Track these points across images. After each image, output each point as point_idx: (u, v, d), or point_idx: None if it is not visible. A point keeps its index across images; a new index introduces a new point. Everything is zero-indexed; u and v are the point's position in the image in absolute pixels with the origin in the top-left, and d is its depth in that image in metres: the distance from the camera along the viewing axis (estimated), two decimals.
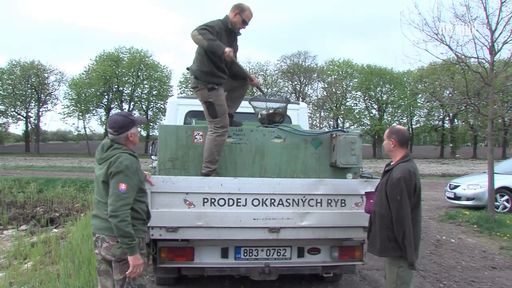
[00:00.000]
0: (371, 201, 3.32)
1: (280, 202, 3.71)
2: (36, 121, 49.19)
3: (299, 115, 5.76)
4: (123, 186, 2.71)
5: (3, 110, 47.40)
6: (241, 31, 3.98)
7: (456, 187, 10.80)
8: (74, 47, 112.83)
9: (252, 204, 3.69)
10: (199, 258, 3.94)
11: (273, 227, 3.70)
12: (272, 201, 3.72)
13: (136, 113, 42.30)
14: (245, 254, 3.97)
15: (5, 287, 4.36)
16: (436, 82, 25.85)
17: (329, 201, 3.79)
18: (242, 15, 3.85)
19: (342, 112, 47.86)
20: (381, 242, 3.10)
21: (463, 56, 8.12)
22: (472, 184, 10.46)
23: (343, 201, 3.83)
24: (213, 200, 3.65)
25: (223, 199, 3.66)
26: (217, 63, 3.79)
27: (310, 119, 44.27)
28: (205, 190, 3.62)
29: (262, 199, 3.71)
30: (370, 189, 3.84)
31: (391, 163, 3.26)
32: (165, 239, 3.71)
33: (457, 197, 10.66)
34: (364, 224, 3.64)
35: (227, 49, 3.59)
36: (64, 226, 8.50)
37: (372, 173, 5.13)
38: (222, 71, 3.86)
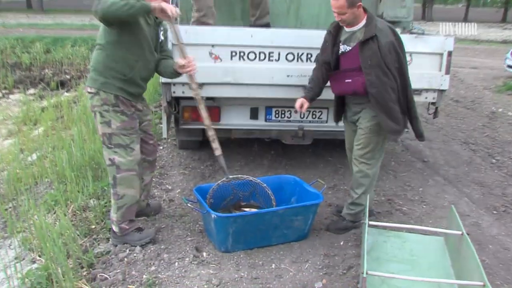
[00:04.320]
0: (348, 80, 3.06)
1: None
2: None
3: None
4: None
5: None
6: None
7: None
8: None
9: (286, 59, 3.64)
10: (226, 119, 4.04)
11: None
12: (309, 56, 3.65)
13: None
14: (277, 116, 4.06)
15: (15, 154, 4.56)
16: None
17: None
18: None
19: None
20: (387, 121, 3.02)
21: None
22: None
23: None
24: (242, 54, 3.60)
25: (253, 52, 3.61)
26: None
27: None
28: (233, 42, 3.56)
29: (298, 54, 3.64)
30: (422, 48, 3.74)
31: (355, 32, 2.98)
32: (189, 97, 3.74)
33: None
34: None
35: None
36: (76, 89, 8.68)
37: (424, 29, 4.91)
38: None
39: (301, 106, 3.26)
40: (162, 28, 2.88)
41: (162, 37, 2.83)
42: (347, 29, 3.02)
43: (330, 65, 3.16)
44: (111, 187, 2.93)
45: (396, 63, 2.92)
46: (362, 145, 3.12)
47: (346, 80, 3.07)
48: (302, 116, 4.05)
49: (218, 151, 3.06)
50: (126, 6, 2.44)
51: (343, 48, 3.07)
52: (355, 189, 3.21)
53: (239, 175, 3.24)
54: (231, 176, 3.15)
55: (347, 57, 3.05)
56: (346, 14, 2.89)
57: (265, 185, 3.19)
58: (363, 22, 2.95)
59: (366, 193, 3.20)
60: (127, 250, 2.91)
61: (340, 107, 3.36)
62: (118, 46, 2.70)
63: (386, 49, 2.86)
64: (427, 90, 3.89)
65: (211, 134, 3.05)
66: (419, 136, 3.16)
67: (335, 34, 3.11)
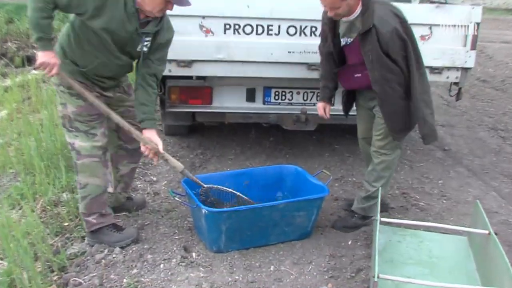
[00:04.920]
0: (357, 75, 3.07)
1: None
2: None
3: None
4: None
5: None
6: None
7: None
8: None
9: (287, 33, 3.64)
10: (219, 101, 4.05)
11: (313, 64, 3.68)
12: (313, 30, 3.64)
13: None
14: (277, 97, 4.06)
15: None
16: None
17: None
18: None
19: None
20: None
21: None
22: None
23: None
24: (237, 27, 3.59)
25: (249, 25, 3.60)
26: None
27: None
28: (227, 13, 3.55)
29: (301, 27, 3.64)
30: (444, 20, 3.73)
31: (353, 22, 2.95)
32: (176, 76, 3.77)
33: None
34: (428, 63, 3.54)
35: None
36: None
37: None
38: None
39: (325, 112, 3.33)
40: (147, 39, 2.78)
41: (144, 49, 2.77)
42: (343, 19, 2.98)
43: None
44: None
45: (402, 51, 2.87)
46: (383, 135, 3.12)
47: (355, 75, 3.08)
48: (305, 98, 4.05)
49: (179, 167, 2.99)
50: (30, 19, 2.53)
51: (343, 41, 3.05)
52: (373, 182, 3.22)
53: (220, 186, 3.15)
54: (206, 186, 3.09)
55: (351, 49, 3.03)
56: (340, 8, 2.84)
57: (246, 198, 3.14)
58: (359, 9, 2.88)
59: (385, 186, 3.24)
60: (105, 251, 2.91)
61: (351, 98, 3.36)
62: (80, 33, 2.66)
63: (388, 39, 2.80)
64: (449, 69, 3.89)
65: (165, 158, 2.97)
66: (423, 138, 3.12)
67: (331, 25, 3.07)
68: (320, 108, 3.34)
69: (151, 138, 2.82)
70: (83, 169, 2.88)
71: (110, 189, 3.09)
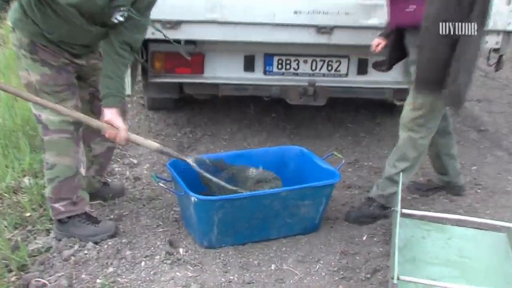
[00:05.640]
0: (410, 8, 3.05)
1: None
2: None
3: None
4: None
5: None
6: None
7: None
8: None
9: None
10: (212, 71, 4.03)
11: (324, 26, 3.68)
12: None
13: None
14: (280, 67, 4.04)
15: None
16: None
17: None
18: None
19: None
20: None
21: None
22: None
23: None
24: None
25: None
26: None
27: None
28: None
29: None
30: None
31: None
32: (161, 39, 3.71)
33: None
34: None
35: None
36: (1, 25, 8.46)
37: None
38: None
39: (378, 45, 3.34)
40: (123, 9, 2.73)
41: (120, 19, 2.70)
42: None
43: None
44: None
45: None
46: (413, 105, 3.13)
47: (407, 9, 3.06)
48: (313, 67, 4.04)
49: (154, 144, 3.00)
50: None
51: None
52: (396, 161, 3.24)
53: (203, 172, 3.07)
54: (191, 157, 3.08)
55: None
56: None
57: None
58: None
59: (408, 172, 3.24)
60: (76, 246, 2.90)
61: (396, 50, 3.32)
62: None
63: None
64: (488, 32, 3.84)
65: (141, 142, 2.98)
66: (444, 98, 3.03)
67: None
68: (375, 41, 3.36)
69: (112, 121, 2.77)
70: (51, 147, 2.86)
71: (82, 171, 3.07)
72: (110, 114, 2.77)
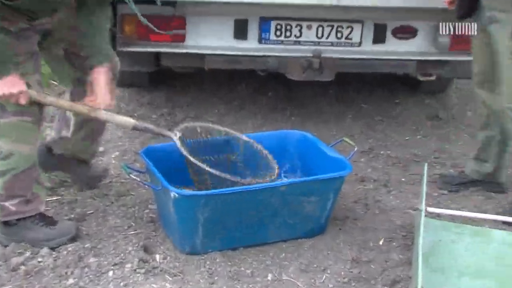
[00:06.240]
0: None
1: None
2: None
3: None
4: None
5: None
6: None
7: None
8: None
9: None
10: (195, 38, 4.01)
11: None
12: None
13: None
14: (279, 34, 4.01)
15: None
16: None
17: None
18: None
19: None
20: None
21: None
22: None
23: None
24: None
25: None
26: None
27: None
28: None
29: None
30: None
31: None
32: None
33: None
34: None
35: None
36: None
37: None
38: None
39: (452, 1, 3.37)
40: None
41: None
42: None
43: None
44: None
45: None
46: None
47: None
48: (319, 35, 3.99)
49: (129, 121, 3.02)
50: None
51: None
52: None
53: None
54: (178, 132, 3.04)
55: None
56: None
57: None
58: None
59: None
60: (27, 253, 2.86)
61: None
62: None
63: None
64: None
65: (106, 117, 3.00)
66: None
67: None
68: None
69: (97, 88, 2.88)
70: (7, 132, 2.81)
71: (64, 133, 3.16)
72: (97, 74, 2.90)
